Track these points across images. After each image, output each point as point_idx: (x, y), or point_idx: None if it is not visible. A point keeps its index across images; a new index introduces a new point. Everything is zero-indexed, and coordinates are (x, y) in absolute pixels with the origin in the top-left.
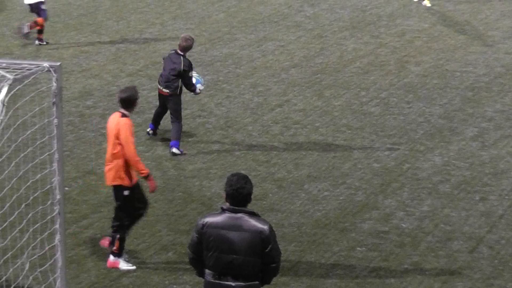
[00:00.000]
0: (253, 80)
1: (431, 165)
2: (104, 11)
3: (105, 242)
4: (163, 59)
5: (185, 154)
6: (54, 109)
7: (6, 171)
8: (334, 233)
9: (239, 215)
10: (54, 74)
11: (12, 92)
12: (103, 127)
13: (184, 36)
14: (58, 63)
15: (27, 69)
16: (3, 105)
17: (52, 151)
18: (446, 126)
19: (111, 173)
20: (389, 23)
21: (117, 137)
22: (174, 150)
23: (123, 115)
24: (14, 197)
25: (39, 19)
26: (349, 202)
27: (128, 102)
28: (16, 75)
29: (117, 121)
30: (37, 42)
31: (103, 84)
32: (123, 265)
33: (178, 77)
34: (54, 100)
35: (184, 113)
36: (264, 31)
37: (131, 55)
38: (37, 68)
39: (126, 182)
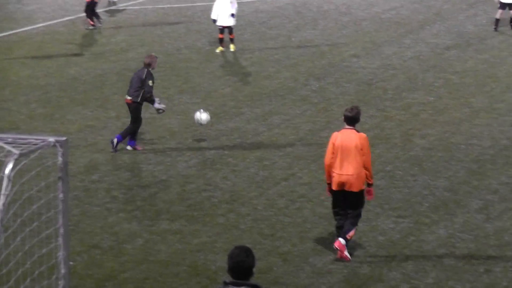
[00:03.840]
0: (259, 154)
1: (436, 238)
2: (111, 86)
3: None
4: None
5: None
6: (60, 183)
7: (12, 246)
8: None
9: None
10: (60, 149)
11: (18, 167)
12: (108, 201)
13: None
14: (64, 138)
15: (33, 144)
16: (9, 179)
17: (58, 225)
18: (451, 198)
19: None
20: (395, 96)
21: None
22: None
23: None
24: (19, 272)
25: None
26: (354, 275)
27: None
28: (22, 150)
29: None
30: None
31: (108, 158)
32: (347, 253)
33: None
34: (60, 174)
35: (189, 187)
36: (270, 105)
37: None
38: (43, 143)
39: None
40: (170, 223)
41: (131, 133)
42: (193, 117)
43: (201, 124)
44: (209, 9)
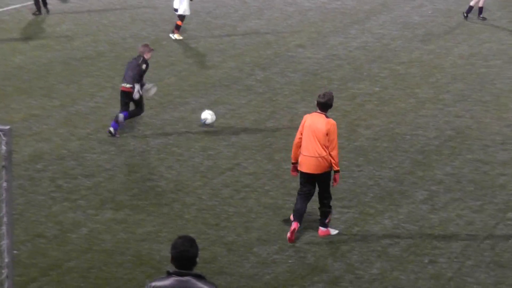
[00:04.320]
0: (204, 144)
1: (381, 228)
2: (56, 75)
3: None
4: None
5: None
6: (4, 172)
7: None
8: None
9: (186, 278)
10: (3, 138)
11: None
12: (53, 190)
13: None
14: (8, 127)
15: None
16: None
17: (1, 214)
18: (396, 189)
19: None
20: (340, 86)
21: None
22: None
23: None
24: None
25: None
26: (299, 265)
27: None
28: None
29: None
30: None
31: (53, 147)
32: (333, 231)
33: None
34: (4, 163)
35: (133, 176)
36: (215, 95)
37: (82, 119)
38: None
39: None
40: (114, 212)
41: (131, 117)
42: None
43: (205, 123)
44: None
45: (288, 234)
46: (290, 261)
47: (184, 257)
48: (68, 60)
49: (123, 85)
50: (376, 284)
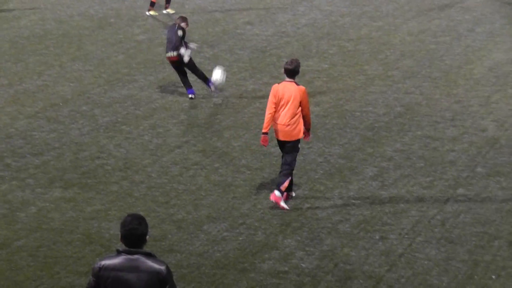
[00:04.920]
0: (153, 122)
1: (331, 205)
2: (2, 53)
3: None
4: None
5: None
6: None
7: None
8: (234, 273)
9: (136, 256)
10: None
11: None
12: (1, 169)
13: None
14: None
15: None
16: None
17: None
18: (346, 165)
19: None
20: None
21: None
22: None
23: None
24: None
25: None
26: (249, 242)
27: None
28: None
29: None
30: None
31: (0, 126)
32: (284, 204)
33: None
34: None
35: (82, 154)
36: (163, 73)
37: (30, 97)
38: None
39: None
40: (63, 191)
41: (202, 79)
42: (86, 85)
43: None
44: None
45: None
46: (240, 238)
47: (133, 235)
48: (15, 39)
49: (168, 55)
50: (327, 261)
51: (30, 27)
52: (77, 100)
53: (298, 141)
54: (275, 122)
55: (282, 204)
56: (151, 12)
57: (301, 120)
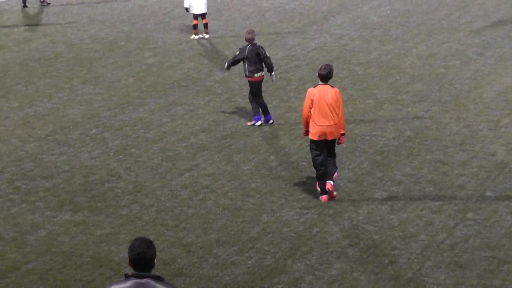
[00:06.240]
0: (162, 145)
1: (340, 229)
2: (13, 76)
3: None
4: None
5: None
6: None
7: None
8: None
9: (145, 280)
10: None
11: None
12: (11, 192)
13: (247, 30)
14: None
15: None
16: None
17: None
18: (355, 189)
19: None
20: (299, 87)
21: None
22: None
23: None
24: None
25: None
26: (258, 266)
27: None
28: None
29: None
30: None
31: (11, 149)
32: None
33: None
34: None
35: (92, 178)
36: (173, 96)
37: (40, 120)
38: None
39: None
40: (73, 214)
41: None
42: (96, 108)
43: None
44: None
45: (324, 197)
46: (249, 262)
47: (142, 259)
48: (25, 61)
49: (257, 75)
50: (336, 285)
51: (41, 50)
52: (87, 123)
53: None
54: (316, 125)
55: (334, 192)
56: (195, 36)
57: (340, 118)
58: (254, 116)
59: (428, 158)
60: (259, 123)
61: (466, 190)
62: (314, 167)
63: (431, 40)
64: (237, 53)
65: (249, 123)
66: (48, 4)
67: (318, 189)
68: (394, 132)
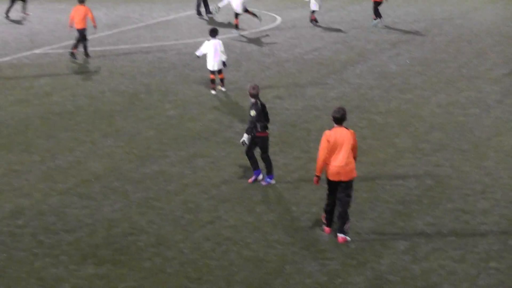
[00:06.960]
0: (184, 197)
1: (363, 279)
2: (34, 130)
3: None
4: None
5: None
6: None
7: None
8: None
9: None
10: None
11: None
12: (34, 246)
13: (251, 86)
14: None
15: None
16: None
17: None
18: (377, 239)
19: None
20: (319, 137)
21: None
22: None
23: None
24: None
25: None
26: None
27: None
28: None
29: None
30: None
31: (33, 203)
32: (348, 237)
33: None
34: None
35: (114, 231)
36: (194, 148)
37: (62, 173)
38: None
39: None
40: (96, 267)
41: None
42: (118, 161)
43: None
44: (133, 52)
45: (327, 229)
46: None
47: None
48: (46, 115)
49: (267, 131)
50: None
51: (62, 103)
52: (108, 176)
53: (353, 180)
54: (331, 165)
55: (348, 238)
56: (213, 91)
57: (353, 160)
58: (254, 171)
59: (449, 207)
60: (260, 176)
61: (488, 239)
62: (325, 205)
63: (450, 88)
64: (252, 113)
65: (250, 180)
66: (75, 57)
67: (324, 220)
68: (415, 181)
